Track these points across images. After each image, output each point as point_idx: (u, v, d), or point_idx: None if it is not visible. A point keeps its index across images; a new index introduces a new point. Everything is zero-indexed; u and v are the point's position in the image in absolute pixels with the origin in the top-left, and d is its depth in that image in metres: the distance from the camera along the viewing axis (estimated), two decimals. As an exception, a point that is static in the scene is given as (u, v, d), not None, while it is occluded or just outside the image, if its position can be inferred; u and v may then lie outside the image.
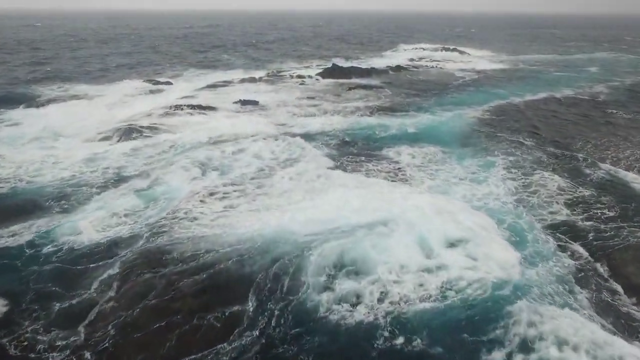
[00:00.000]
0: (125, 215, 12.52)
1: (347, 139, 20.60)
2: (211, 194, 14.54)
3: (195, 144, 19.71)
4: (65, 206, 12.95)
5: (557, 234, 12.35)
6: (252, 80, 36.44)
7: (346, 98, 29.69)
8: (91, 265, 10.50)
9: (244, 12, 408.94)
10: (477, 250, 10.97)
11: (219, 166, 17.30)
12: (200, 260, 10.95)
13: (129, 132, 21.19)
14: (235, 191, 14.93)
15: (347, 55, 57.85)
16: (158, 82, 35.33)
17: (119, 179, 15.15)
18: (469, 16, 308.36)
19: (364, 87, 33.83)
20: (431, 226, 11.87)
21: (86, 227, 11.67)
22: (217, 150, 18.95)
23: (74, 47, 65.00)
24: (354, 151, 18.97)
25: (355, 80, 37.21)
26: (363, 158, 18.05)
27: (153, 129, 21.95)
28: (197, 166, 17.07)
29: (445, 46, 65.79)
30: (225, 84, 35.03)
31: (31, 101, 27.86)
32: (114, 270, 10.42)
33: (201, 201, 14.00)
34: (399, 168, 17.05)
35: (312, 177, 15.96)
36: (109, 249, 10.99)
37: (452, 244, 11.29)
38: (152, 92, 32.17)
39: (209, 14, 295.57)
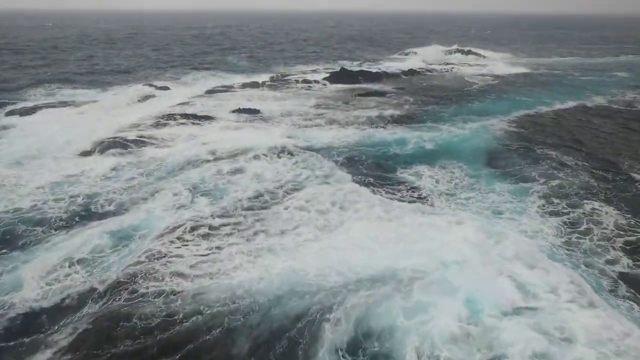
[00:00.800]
0: (81, 262, 10.03)
1: (360, 157, 17.97)
2: (195, 229, 12.05)
3: (185, 162, 17.24)
4: (11, 249, 10.50)
5: (619, 292, 9.61)
6: (255, 85, 33.97)
7: (356, 106, 27.06)
8: (26, 340, 8.02)
9: (254, 12, 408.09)
10: (548, 322, 8.24)
11: (211, 190, 14.84)
12: (175, 328, 8.46)
13: (111, 146, 18.82)
14: (227, 225, 12.44)
15: (355, 57, 55.28)
16: (155, 87, 33.02)
17: (87, 211, 12.70)
18: (478, 17, 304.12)
19: (375, 93, 31.18)
20: (479, 282, 9.23)
21: (29, 280, 9.21)
22: (209, 170, 16.49)
23: (81, 47, 63.25)
24: (369, 172, 16.33)
25: (366, 86, 34.60)
26: (380, 182, 15.43)
27: (140, 142, 19.53)
28: (184, 191, 14.63)
29: (460, 48, 62.75)
30: (226, 89, 32.59)
31: (14, 107, 25.68)
32: (56, 346, 7.94)
33: (181, 239, 11.52)
34: (422, 195, 14.40)
35: (324, 206, 13.42)
36: (52, 315, 8.51)
37: (511, 312, 8.58)
38: (147, 98, 29.84)
39: (219, 14, 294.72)
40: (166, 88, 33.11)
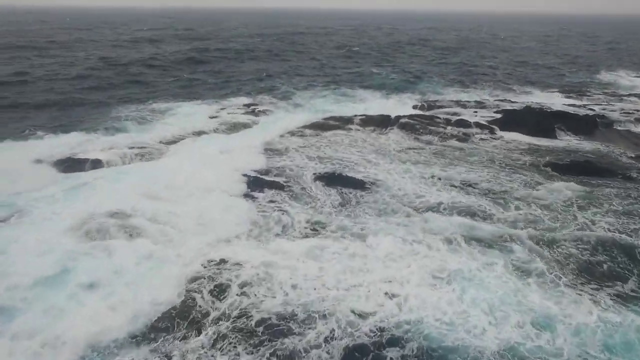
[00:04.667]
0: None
1: None
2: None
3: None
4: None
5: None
6: (383, 123, 23.02)
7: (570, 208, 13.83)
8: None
9: (347, 11, 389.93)
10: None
11: None
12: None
13: (102, 233, 10.82)
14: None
15: (534, 80, 39.06)
16: (253, 111, 25.23)
17: None
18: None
19: (595, 169, 17.05)
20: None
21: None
22: None
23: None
24: None
25: (569, 143, 20.48)
26: None
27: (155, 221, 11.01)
28: None
29: None
30: (340, 123, 22.62)
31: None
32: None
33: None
34: None
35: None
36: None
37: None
38: (234, 127, 22.13)
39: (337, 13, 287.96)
40: (264, 113, 24.97)
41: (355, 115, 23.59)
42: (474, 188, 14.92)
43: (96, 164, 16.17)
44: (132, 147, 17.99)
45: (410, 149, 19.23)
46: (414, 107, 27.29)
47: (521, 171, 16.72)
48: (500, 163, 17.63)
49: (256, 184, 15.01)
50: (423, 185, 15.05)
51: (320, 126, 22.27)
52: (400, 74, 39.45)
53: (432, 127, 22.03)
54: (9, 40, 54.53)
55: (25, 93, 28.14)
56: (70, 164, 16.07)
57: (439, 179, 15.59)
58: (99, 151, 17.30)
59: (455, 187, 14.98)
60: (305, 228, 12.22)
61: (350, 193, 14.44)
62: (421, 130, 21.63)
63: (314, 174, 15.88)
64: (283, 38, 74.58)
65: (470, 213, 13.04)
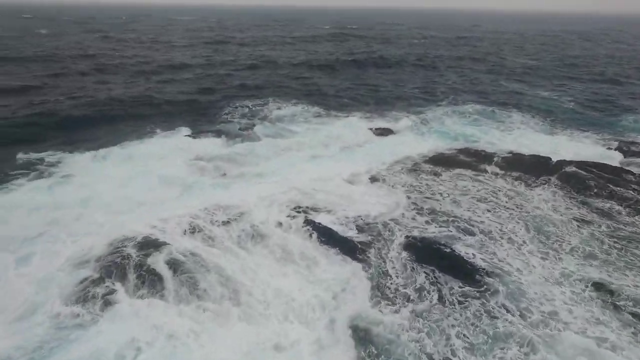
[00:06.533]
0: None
1: None
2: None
3: None
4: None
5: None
6: (538, 170, 16.53)
7: None
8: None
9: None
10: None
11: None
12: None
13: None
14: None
15: None
16: (373, 129, 21.58)
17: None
18: None
19: None
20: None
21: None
22: None
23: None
24: None
25: None
26: None
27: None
28: None
29: None
30: (473, 161, 17.13)
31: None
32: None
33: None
34: None
35: None
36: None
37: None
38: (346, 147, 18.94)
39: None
40: (389, 132, 21.05)
41: (496, 154, 17.62)
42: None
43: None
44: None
45: (575, 220, 12.78)
46: (598, 149, 19.41)
47: None
48: None
49: (328, 235, 11.46)
50: (583, 307, 9.12)
51: (446, 161, 17.24)
52: (583, 97, 29.90)
53: (619, 189, 14.69)
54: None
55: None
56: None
57: (622, 302, 9.30)
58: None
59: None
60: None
61: (447, 285, 9.65)
62: (596, 191, 14.59)
63: (407, 237, 11.45)
64: (450, 42, 67.83)
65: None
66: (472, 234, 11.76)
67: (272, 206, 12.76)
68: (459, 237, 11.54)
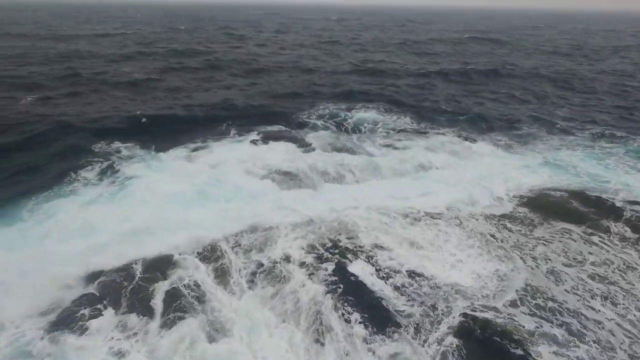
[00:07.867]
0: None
1: None
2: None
3: None
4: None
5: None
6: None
7: None
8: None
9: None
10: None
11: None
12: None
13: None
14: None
15: None
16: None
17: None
18: None
19: None
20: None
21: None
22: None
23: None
24: None
25: None
26: None
27: None
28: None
29: None
30: (590, 213, 12.76)
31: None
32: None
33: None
34: None
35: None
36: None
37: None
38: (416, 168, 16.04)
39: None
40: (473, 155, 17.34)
41: (628, 207, 12.82)
42: None
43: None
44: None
45: None
46: None
47: None
48: None
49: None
50: None
51: (549, 206, 13.22)
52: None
53: None
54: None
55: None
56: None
57: None
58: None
59: None
60: None
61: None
62: None
63: (464, 316, 8.53)
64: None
65: None
66: (577, 339, 8.01)
67: (304, 237, 11.00)
68: (557, 341, 7.96)
